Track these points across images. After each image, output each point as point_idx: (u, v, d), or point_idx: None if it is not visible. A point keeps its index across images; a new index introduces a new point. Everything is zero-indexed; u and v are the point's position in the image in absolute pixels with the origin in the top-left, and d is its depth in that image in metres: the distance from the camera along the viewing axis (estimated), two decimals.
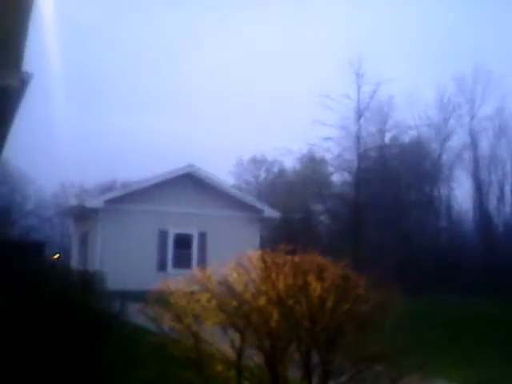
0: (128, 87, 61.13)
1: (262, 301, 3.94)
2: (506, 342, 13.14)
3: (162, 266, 25.60)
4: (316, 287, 3.92)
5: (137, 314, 5.68)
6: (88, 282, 9.95)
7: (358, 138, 35.09)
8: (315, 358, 3.92)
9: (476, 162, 40.41)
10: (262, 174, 48.53)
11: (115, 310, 9.60)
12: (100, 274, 10.42)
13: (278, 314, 3.87)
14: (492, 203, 40.44)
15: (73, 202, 34.10)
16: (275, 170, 47.41)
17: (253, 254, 4.22)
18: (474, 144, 40.34)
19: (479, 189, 40.10)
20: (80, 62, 44.29)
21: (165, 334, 4.33)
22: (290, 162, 44.35)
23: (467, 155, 41.03)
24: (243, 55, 59.96)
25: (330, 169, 38.71)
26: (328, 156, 36.83)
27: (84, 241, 27.75)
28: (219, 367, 3.98)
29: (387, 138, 39.34)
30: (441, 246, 38.36)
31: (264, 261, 4.02)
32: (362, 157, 35.43)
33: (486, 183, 40.35)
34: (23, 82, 8.79)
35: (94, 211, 25.41)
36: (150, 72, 60.83)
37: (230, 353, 3.99)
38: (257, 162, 48.19)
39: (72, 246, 31.21)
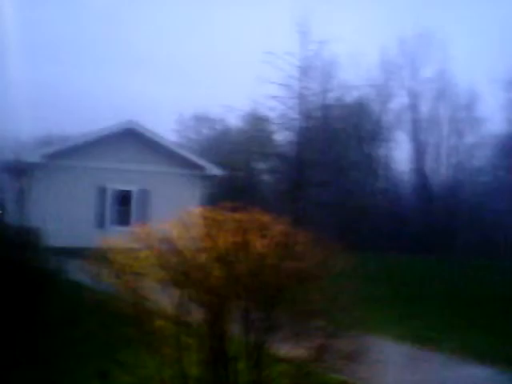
0: (73, 42, 59.15)
1: (203, 258, 3.93)
2: (439, 296, 13.71)
3: (100, 223, 25.28)
4: (257, 244, 3.93)
5: (76, 271, 5.59)
6: (26, 239, 9.73)
7: (301, 97, 35.17)
8: (255, 314, 3.96)
9: (415, 123, 41.23)
10: (205, 132, 48.14)
11: (54, 266, 9.46)
12: (38, 230, 10.20)
13: (219, 271, 3.87)
14: (429, 165, 41.51)
15: (9, 156, 33.05)
16: (218, 127, 47.10)
17: (194, 210, 4.19)
18: (413, 106, 41.07)
19: (417, 150, 41.04)
20: (33, 13, 42.37)
21: (105, 291, 4.28)
22: (233, 120, 44.18)
23: (407, 117, 41.80)
24: (189, 13, 58.73)
25: (274, 127, 38.77)
26: (272, 114, 36.85)
27: (21, 196, 27.02)
28: (159, 323, 3.97)
29: (330, 97, 39.59)
30: (379, 207, 39.28)
31: (205, 217, 4.00)
32: (305, 116, 35.59)
33: (423, 145, 41.30)
34: None
35: (31, 166, 24.72)
36: (97, 29, 58.96)
37: (170, 309, 3.98)
38: (199, 120, 47.73)
39: (8, 202, 30.36)
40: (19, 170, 26.50)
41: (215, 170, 28.55)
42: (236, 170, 37.70)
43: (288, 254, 4.02)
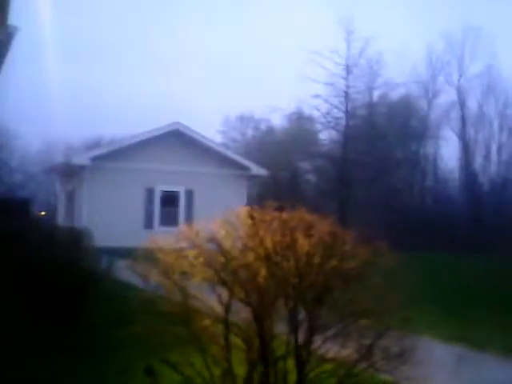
0: (117, 46, 60.23)
1: (250, 257, 3.94)
2: (490, 299, 13.40)
3: (148, 224, 25.66)
4: (303, 244, 3.92)
5: (124, 271, 5.69)
6: (75, 239, 9.94)
7: (346, 96, 34.93)
8: (302, 314, 3.96)
9: (463, 120, 40.43)
10: (250, 132, 48.31)
11: (102, 266, 9.65)
12: (86, 231, 10.40)
13: (266, 271, 3.88)
14: (478, 162, 40.66)
15: (59, 158, 33.85)
16: (263, 127, 47.18)
17: (240, 210, 4.21)
18: (461, 102, 40.30)
19: (466, 147, 40.24)
20: (71, 18, 43.38)
21: (152, 290, 4.35)
22: (277, 120, 44.21)
23: (455, 114, 41.02)
24: (232, 13, 59.03)
25: (318, 127, 38.62)
26: (316, 114, 36.71)
27: (70, 198, 27.65)
28: (207, 322, 4.01)
29: (375, 95, 39.22)
30: (427, 205, 38.67)
31: (252, 217, 4.01)
32: (349, 115, 35.36)
33: (472, 142, 40.46)
34: (9, 35, 8.57)
35: (80, 168, 25.27)
36: (142, 32, 59.86)
37: (218, 308, 4.02)
38: (244, 120, 47.91)
39: (58, 204, 31.11)
40: (69, 172, 27.13)
41: (260, 170, 28.63)
42: (281, 169, 37.70)
43: (334, 254, 4.00)
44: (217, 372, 4.01)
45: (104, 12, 58.38)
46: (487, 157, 40.35)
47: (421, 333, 7.46)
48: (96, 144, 37.38)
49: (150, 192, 25.99)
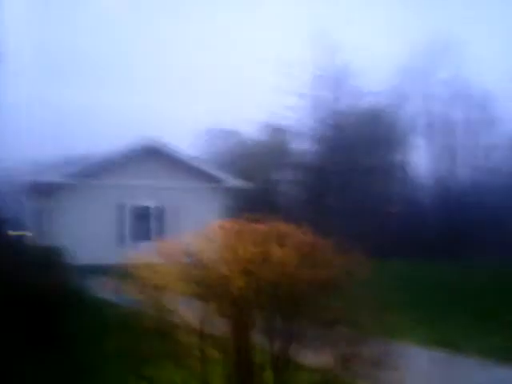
0: (89, 59, 59.76)
1: (225, 269, 3.95)
2: (464, 303, 13.58)
3: (121, 240, 25.46)
4: (277, 254, 3.95)
5: (100, 288, 5.65)
6: (48, 258, 9.85)
7: (317, 106, 35.23)
8: (279, 323, 3.97)
9: (431, 127, 41.05)
10: (223, 145, 48.28)
11: (78, 284, 9.57)
12: (60, 249, 10.31)
13: (242, 282, 3.90)
14: (446, 168, 41.24)
15: (29, 177, 33.42)
16: (236, 140, 47.22)
17: (215, 223, 4.22)
18: (428, 109, 40.91)
19: (434, 154, 40.85)
20: (41, 36, 43.01)
21: (129, 306, 4.33)
22: (250, 132, 44.28)
23: (423, 121, 41.62)
24: (202, 24, 59.19)
25: (291, 137, 38.82)
26: (289, 124, 36.91)
27: (43, 216, 27.33)
28: (183, 336, 4.00)
29: (346, 104, 39.57)
30: (401, 212, 39.05)
31: (226, 229, 4.03)
32: (321, 124, 35.63)
33: (440, 148, 41.08)
34: None
35: (52, 186, 25.02)
36: (114, 44, 59.61)
37: (194, 322, 4.01)
38: (218, 133, 47.90)
39: (30, 222, 30.70)
40: (39, 190, 26.82)
41: (235, 182, 28.67)
42: (255, 181, 37.78)
43: (310, 263, 4.04)
44: None
45: (77, 23, 57.96)
46: (454, 162, 40.94)
47: (397, 338, 7.52)
48: (67, 161, 36.98)
49: (121, 208, 25.82)
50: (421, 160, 41.83)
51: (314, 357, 4.06)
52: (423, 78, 41.18)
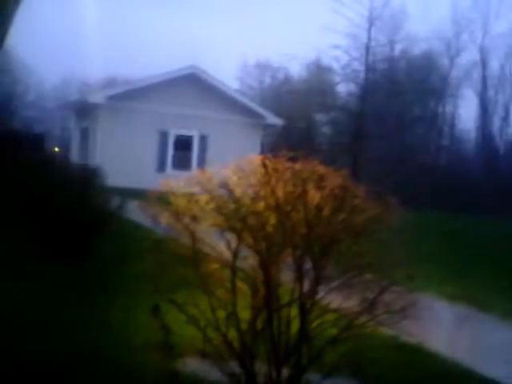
0: None
1: (260, 205, 3.97)
2: (500, 260, 13.46)
3: (161, 167, 25.76)
4: (314, 195, 3.94)
5: (135, 212, 5.75)
6: (87, 177, 10.03)
7: (367, 48, 34.33)
8: (308, 264, 4.01)
9: (484, 81, 39.73)
10: (267, 80, 47.74)
11: (114, 205, 9.76)
12: (99, 169, 10.47)
13: (275, 220, 3.92)
14: (496, 124, 40.14)
15: (74, 95, 33.75)
16: (280, 76, 46.58)
17: (254, 158, 4.22)
18: (483, 62, 39.51)
19: (484, 108, 39.67)
20: None
21: (163, 232, 4.41)
22: (295, 69, 43.62)
23: (476, 73, 40.29)
24: None
25: (337, 78, 38.10)
26: (336, 65, 36.18)
27: (84, 136, 27.72)
28: (214, 266, 4.07)
29: (397, 49, 38.49)
30: (442, 164, 38.43)
31: (264, 166, 4.02)
32: (369, 68, 34.81)
33: (492, 103, 39.86)
34: None
35: (95, 106, 25.24)
36: None
37: (226, 253, 4.07)
38: (262, 68, 47.27)
39: (72, 141, 31.22)
40: (83, 110, 27.11)
41: (276, 120, 28.47)
42: (296, 120, 37.43)
43: (344, 207, 4.02)
44: (222, 315, 4.10)
45: None
46: (505, 119, 39.80)
47: (424, 290, 7.55)
48: (112, 83, 37.12)
49: (163, 135, 25.97)
50: (471, 114, 40.78)
51: (340, 301, 4.11)
52: (480, 29, 39.65)
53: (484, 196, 34.50)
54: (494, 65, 39.43)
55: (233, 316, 4.05)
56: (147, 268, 4.09)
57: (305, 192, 3.93)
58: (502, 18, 38.58)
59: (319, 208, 3.94)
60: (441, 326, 7.48)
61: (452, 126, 41.17)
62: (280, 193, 3.90)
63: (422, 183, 34.08)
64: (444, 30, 39.64)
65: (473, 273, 11.44)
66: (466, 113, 40.85)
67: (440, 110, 40.40)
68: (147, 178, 17.63)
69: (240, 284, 4.08)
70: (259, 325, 4.04)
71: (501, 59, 39.26)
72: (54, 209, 8.87)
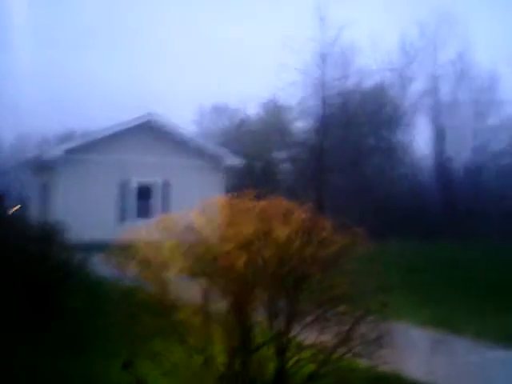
0: (91, 34, 59.33)
1: (229, 246, 3.94)
2: (467, 283, 13.61)
3: (123, 216, 25.48)
4: (282, 231, 3.94)
5: (100, 264, 5.65)
6: (49, 233, 9.85)
7: (321, 84, 34.97)
8: (281, 301, 3.97)
9: (437, 107, 40.77)
10: (225, 122, 48.10)
11: (77, 260, 9.58)
12: (60, 225, 10.30)
13: (245, 259, 3.89)
14: (451, 149, 41.05)
15: (31, 152, 33.40)
16: (238, 117, 47.02)
17: (218, 199, 4.20)
18: (434, 89, 40.59)
19: (439, 135, 40.61)
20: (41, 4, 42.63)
21: (130, 283, 4.32)
22: (253, 109, 44.05)
23: (428, 101, 41.32)
24: (207, 0, 58.64)
25: (293, 115, 38.61)
26: (291, 102, 36.68)
27: (44, 192, 27.34)
28: (186, 313, 4.00)
29: (350, 83, 39.30)
30: (402, 192, 39.00)
31: (228, 206, 4.01)
32: (325, 103, 35.39)
33: (444, 129, 40.84)
34: None
35: (54, 162, 24.97)
36: (115, 19, 59.12)
37: (196, 299, 4.01)
38: (219, 110, 47.66)
39: (32, 198, 30.72)
40: (42, 166, 26.79)
41: (236, 160, 28.61)
42: (257, 159, 37.68)
43: (312, 241, 4.02)
44: (197, 361, 4.01)
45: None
46: (459, 143, 40.75)
47: (397, 318, 7.55)
48: (69, 137, 36.90)
49: (124, 184, 25.81)
50: (426, 141, 41.65)
51: (315, 335, 4.07)
52: (429, 57, 40.85)
53: (442, 221, 35.11)
54: (445, 91, 40.57)
55: (210, 361, 3.97)
56: (117, 321, 3.99)
57: (272, 229, 3.92)
58: (449, 45, 39.55)
59: (288, 243, 3.93)
60: (416, 352, 7.47)
61: (409, 153, 41.95)
62: (247, 231, 3.89)
63: (384, 211, 34.47)
64: (394, 61, 40.66)
65: (442, 298, 11.52)
66: (421, 140, 41.68)
67: (396, 139, 41.19)
68: (110, 230, 17.43)
69: (214, 328, 4.02)
70: (236, 367, 3.97)
71: (451, 85, 40.45)
72: (13, 269, 8.66)
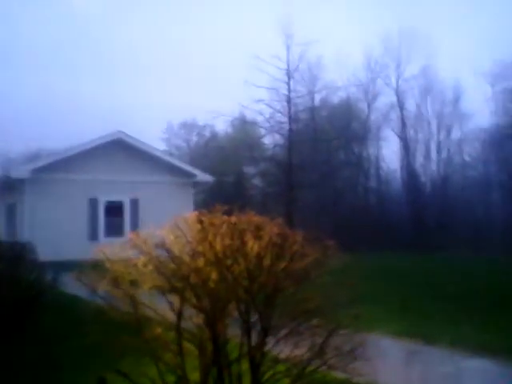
0: (58, 53, 58.95)
1: (200, 262, 3.93)
2: (439, 293, 13.76)
3: (93, 235, 25.18)
4: (253, 246, 3.94)
5: (70, 284, 5.57)
6: (18, 254, 9.69)
7: (288, 100, 35.24)
8: (254, 316, 3.97)
9: (403, 121, 41.36)
10: (194, 139, 48.08)
11: (47, 280, 9.44)
12: (29, 245, 10.15)
13: (217, 275, 3.88)
14: (418, 162, 41.65)
15: None
16: (207, 133, 47.05)
17: (189, 215, 4.19)
18: (400, 104, 41.22)
19: (406, 148, 41.17)
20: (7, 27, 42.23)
21: (102, 301, 4.28)
22: (221, 126, 44.18)
23: (394, 115, 41.93)
24: (173, 18, 58.79)
25: (262, 131, 38.79)
26: (260, 118, 36.87)
27: (11, 212, 26.87)
28: (158, 330, 3.97)
29: (317, 99, 39.70)
30: (371, 205, 39.36)
31: (201, 221, 4.00)
32: (292, 119, 35.65)
33: (412, 142, 41.44)
34: None
35: (20, 181, 24.59)
36: (81, 38, 58.82)
37: (169, 315, 3.98)
38: (188, 127, 47.67)
39: None
40: (8, 187, 26.36)
41: (205, 177, 28.56)
42: (226, 175, 37.71)
43: (284, 255, 4.04)
44: (171, 379, 3.98)
45: (38, 16, 57.07)
46: (427, 156, 41.38)
47: (370, 330, 7.59)
48: (36, 156, 36.44)
49: (93, 203, 25.53)
50: (394, 154, 42.19)
51: (289, 348, 4.07)
52: (394, 72, 41.50)
53: (411, 234, 35.56)
54: (411, 105, 41.24)
55: (183, 379, 3.94)
56: (88, 340, 3.95)
57: (243, 243, 3.92)
58: (412, 61, 40.24)
59: (259, 258, 3.93)
60: (390, 362, 7.51)
61: (377, 167, 42.43)
62: (219, 247, 3.88)
63: (354, 226, 34.72)
64: (360, 76, 41.22)
65: (415, 308, 11.63)
66: (389, 154, 42.23)
67: (364, 153, 41.66)
68: (80, 248, 17.15)
69: (187, 345, 3.99)
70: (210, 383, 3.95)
71: (416, 99, 41.15)
72: None
